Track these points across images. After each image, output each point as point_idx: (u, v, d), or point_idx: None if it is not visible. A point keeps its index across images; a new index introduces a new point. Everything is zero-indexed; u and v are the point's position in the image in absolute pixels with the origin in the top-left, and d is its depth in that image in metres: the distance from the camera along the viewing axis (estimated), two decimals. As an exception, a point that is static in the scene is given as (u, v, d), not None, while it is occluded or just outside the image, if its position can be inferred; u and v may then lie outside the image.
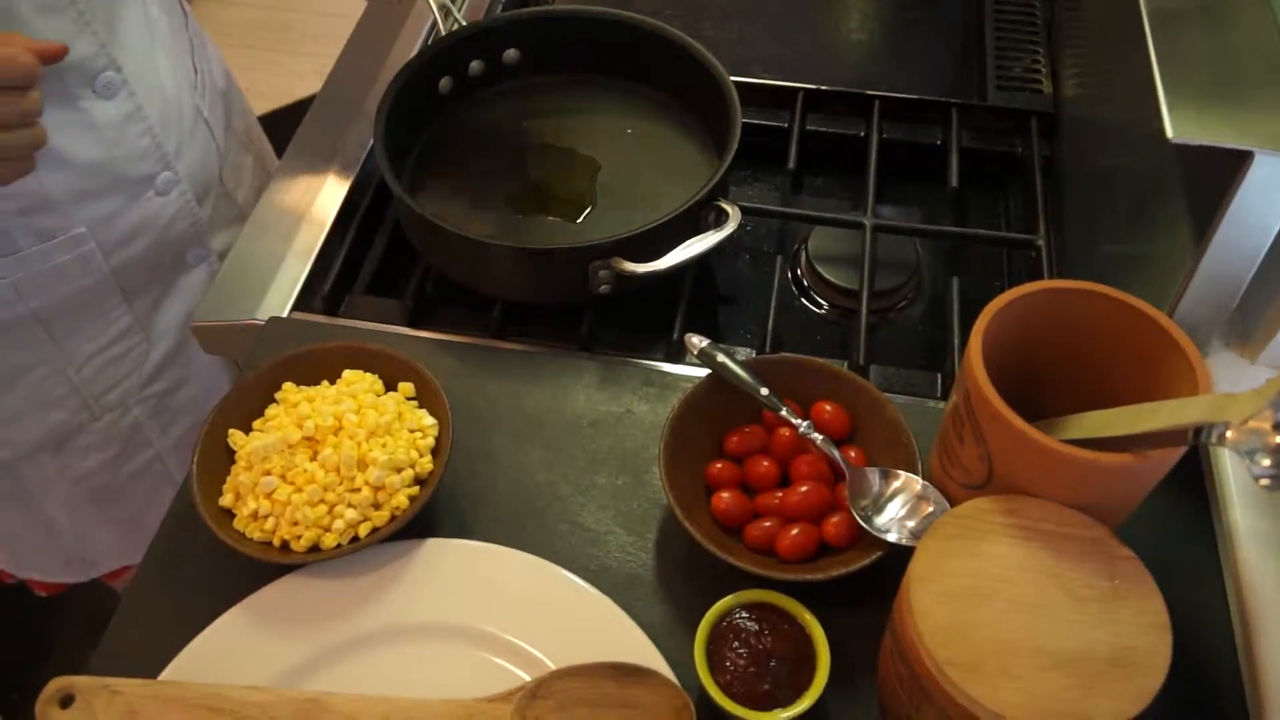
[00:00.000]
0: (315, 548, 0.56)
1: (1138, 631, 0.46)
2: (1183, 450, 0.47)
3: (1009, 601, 0.47)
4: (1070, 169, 0.80)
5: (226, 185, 0.87)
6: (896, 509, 0.57)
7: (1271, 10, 0.58)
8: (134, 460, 0.88)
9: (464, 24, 0.80)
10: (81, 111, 0.70)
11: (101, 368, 0.81)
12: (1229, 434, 0.42)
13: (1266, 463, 0.40)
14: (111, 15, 0.71)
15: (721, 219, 0.70)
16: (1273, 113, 0.53)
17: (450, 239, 0.70)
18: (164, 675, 0.53)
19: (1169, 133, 0.51)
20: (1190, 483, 0.62)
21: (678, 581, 0.59)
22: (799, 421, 0.60)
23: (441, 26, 0.80)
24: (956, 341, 0.72)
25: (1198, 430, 0.44)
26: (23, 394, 0.79)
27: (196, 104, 0.82)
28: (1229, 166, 0.53)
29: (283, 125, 0.98)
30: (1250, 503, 0.57)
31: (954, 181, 0.82)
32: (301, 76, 1.81)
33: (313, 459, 0.58)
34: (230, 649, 0.54)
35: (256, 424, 0.61)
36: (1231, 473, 0.59)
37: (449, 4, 0.80)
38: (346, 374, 0.63)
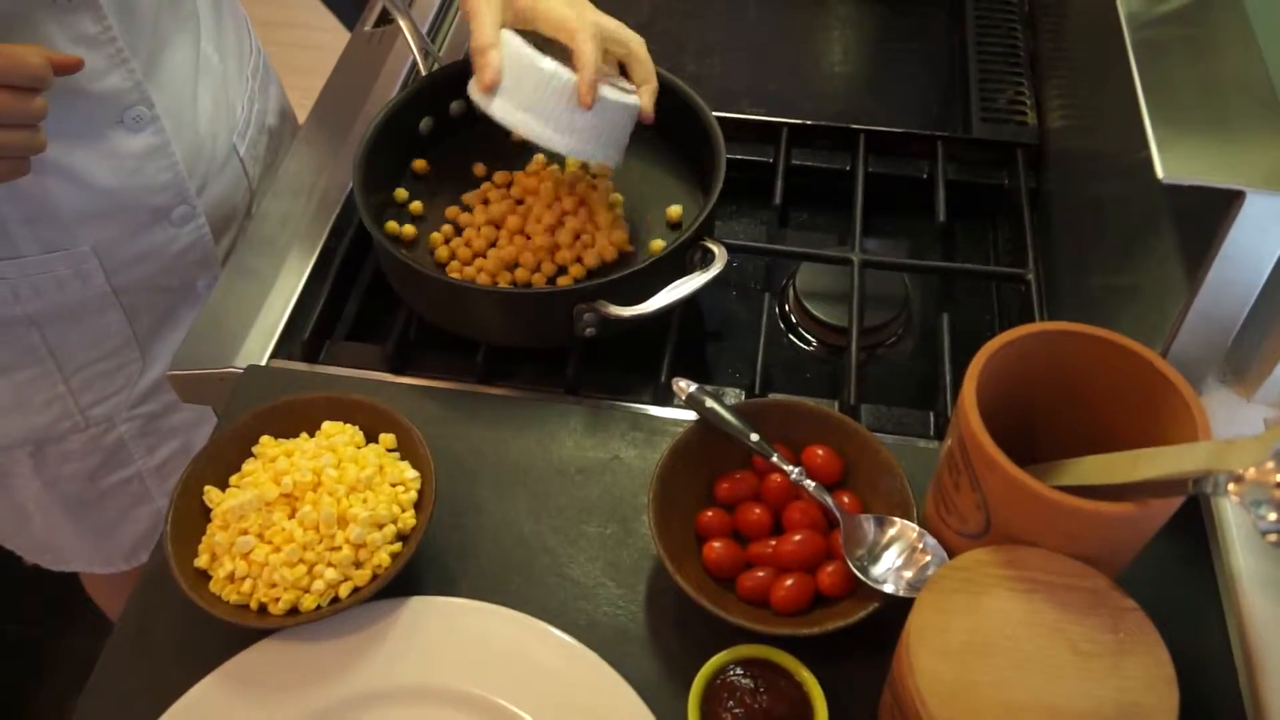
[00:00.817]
0: (294, 610, 0.55)
1: (1144, 687, 0.45)
2: (1183, 499, 0.46)
3: (1012, 658, 0.45)
4: (1058, 201, 0.80)
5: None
6: (893, 558, 0.55)
7: (1255, 41, 0.58)
8: (113, 476, 0.87)
9: (444, 64, 0.79)
10: (105, 140, 0.71)
11: (92, 379, 0.81)
12: (1232, 486, 0.41)
13: (1273, 517, 0.39)
14: (154, 53, 0.72)
15: (708, 259, 0.68)
16: (1261, 148, 0.52)
17: (431, 283, 0.68)
18: (137, 748, 0.52)
19: (1159, 173, 0.51)
20: (1190, 525, 0.61)
21: (670, 636, 0.57)
22: (790, 468, 0.58)
23: (421, 67, 0.79)
24: (948, 378, 0.71)
25: (1198, 479, 0.43)
26: (8, 391, 0.78)
27: (234, 143, 0.83)
28: (1220, 203, 0.52)
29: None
30: (1252, 546, 0.56)
31: (941, 215, 0.81)
32: (283, 110, 1.80)
33: (291, 517, 0.56)
34: (207, 719, 0.52)
35: (233, 480, 0.59)
36: (1232, 516, 0.58)
37: (428, 44, 0.79)
38: (326, 426, 0.61)
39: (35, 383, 0.79)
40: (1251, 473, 0.40)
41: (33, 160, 0.62)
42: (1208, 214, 0.53)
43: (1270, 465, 0.39)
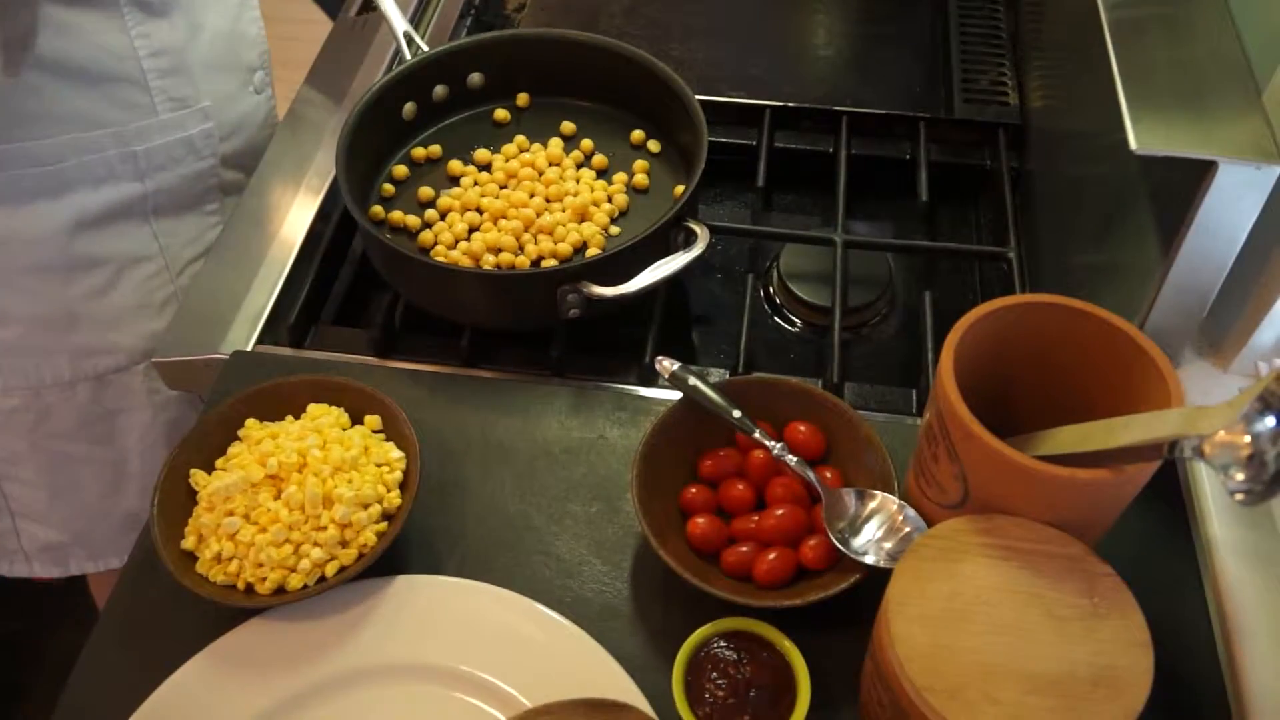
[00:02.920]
0: (281, 589, 0.55)
1: (1119, 650, 0.45)
2: (1158, 464, 0.47)
3: (989, 624, 0.46)
4: (1039, 180, 0.80)
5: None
6: (873, 530, 0.56)
7: (1231, 19, 0.58)
8: None
9: (426, 49, 0.79)
10: None
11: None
12: (1203, 448, 0.41)
13: (1241, 476, 0.39)
14: None
15: (691, 239, 0.69)
16: (1235, 121, 0.53)
17: (416, 266, 0.69)
18: (126, 727, 0.52)
19: (1132, 144, 0.51)
20: (1168, 494, 0.62)
21: (654, 611, 0.58)
22: (773, 444, 0.59)
23: (405, 52, 0.79)
24: (930, 356, 0.71)
25: (1172, 444, 0.44)
26: (129, 291, 0.81)
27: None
28: (1194, 176, 0.53)
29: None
30: (1228, 513, 0.57)
31: (924, 195, 0.81)
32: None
33: (277, 498, 0.57)
34: (195, 698, 0.53)
35: (219, 463, 0.60)
36: (1208, 484, 0.59)
37: (411, 30, 0.79)
38: (311, 408, 0.61)
39: (152, 280, 0.82)
40: (1221, 435, 0.40)
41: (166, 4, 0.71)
42: (1182, 188, 0.54)
43: (1239, 427, 0.40)
